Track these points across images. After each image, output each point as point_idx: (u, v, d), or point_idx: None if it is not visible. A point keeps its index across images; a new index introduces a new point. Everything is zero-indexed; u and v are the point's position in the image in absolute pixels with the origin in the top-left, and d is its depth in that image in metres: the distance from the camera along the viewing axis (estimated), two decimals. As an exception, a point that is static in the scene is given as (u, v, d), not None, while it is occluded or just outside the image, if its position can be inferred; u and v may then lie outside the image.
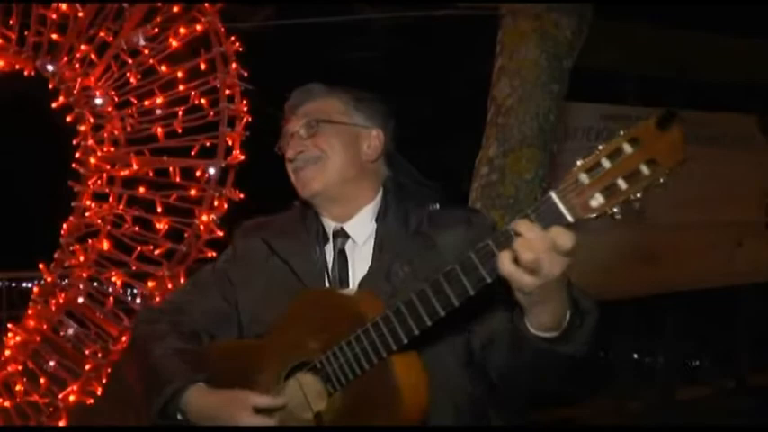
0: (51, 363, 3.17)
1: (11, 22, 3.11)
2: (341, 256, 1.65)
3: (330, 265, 1.64)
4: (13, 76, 3.21)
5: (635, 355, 7.58)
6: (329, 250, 1.66)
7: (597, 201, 1.16)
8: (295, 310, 1.56)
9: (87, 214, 3.15)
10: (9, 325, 3.29)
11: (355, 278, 1.62)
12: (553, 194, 1.20)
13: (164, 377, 1.58)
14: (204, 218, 3.11)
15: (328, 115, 1.65)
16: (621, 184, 1.14)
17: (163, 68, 3.15)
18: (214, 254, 3.35)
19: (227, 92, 3.35)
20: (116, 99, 3.27)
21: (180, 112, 3.29)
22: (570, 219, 1.19)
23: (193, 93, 3.22)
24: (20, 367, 3.43)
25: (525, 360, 1.41)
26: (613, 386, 6.74)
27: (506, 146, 3.34)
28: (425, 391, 1.45)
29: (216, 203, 3.20)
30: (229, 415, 1.49)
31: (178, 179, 3.31)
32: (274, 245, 1.68)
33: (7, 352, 3.24)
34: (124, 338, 3.17)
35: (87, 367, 3.14)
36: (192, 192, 3.16)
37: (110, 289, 3.29)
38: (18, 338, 3.18)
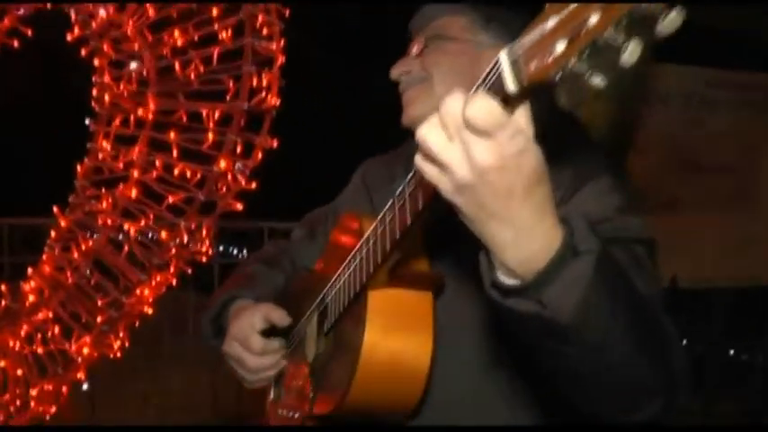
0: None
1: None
2: None
3: None
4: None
5: (731, 351, 6.84)
6: None
7: (554, 53, 0.68)
8: (333, 238, 1.46)
9: (100, 156, 2.96)
10: (29, 270, 3.17)
11: None
12: (503, 53, 0.77)
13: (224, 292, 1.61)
14: (222, 164, 2.84)
15: (446, 32, 1.37)
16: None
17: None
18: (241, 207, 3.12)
19: (266, 31, 3.08)
20: (148, 37, 3.06)
21: (215, 53, 3.05)
22: (512, 87, 0.75)
23: (220, 29, 2.94)
24: (50, 314, 3.36)
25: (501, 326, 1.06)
26: (702, 383, 6.09)
27: (577, 97, 2.89)
28: (409, 338, 1.14)
29: (239, 150, 2.93)
30: (239, 326, 1.46)
31: (212, 124, 3.09)
32: (368, 179, 1.61)
33: (31, 297, 3.13)
34: (139, 291, 2.99)
35: (99, 320, 2.98)
36: (210, 136, 2.89)
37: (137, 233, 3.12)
38: (33, 284, 3.06)
